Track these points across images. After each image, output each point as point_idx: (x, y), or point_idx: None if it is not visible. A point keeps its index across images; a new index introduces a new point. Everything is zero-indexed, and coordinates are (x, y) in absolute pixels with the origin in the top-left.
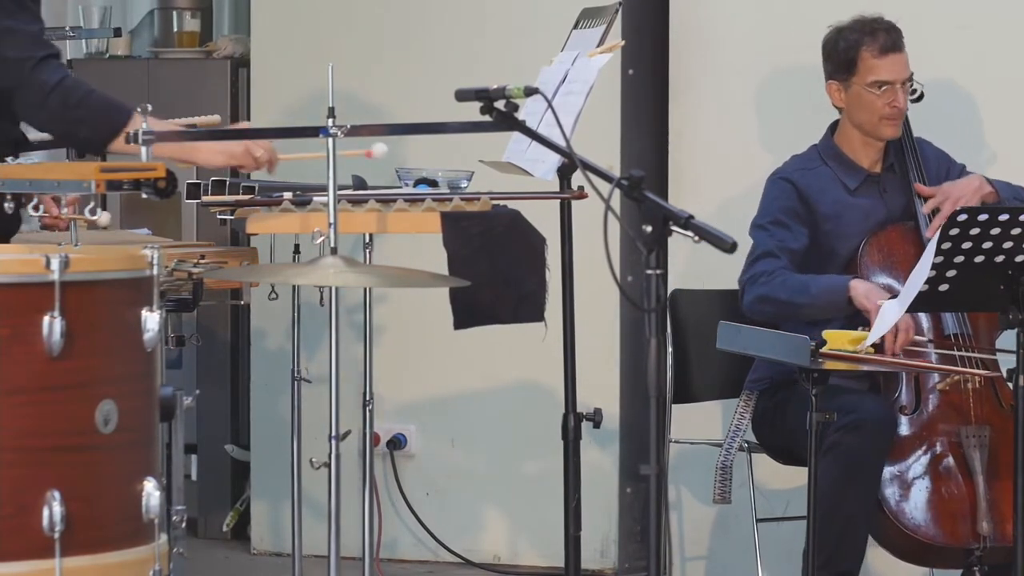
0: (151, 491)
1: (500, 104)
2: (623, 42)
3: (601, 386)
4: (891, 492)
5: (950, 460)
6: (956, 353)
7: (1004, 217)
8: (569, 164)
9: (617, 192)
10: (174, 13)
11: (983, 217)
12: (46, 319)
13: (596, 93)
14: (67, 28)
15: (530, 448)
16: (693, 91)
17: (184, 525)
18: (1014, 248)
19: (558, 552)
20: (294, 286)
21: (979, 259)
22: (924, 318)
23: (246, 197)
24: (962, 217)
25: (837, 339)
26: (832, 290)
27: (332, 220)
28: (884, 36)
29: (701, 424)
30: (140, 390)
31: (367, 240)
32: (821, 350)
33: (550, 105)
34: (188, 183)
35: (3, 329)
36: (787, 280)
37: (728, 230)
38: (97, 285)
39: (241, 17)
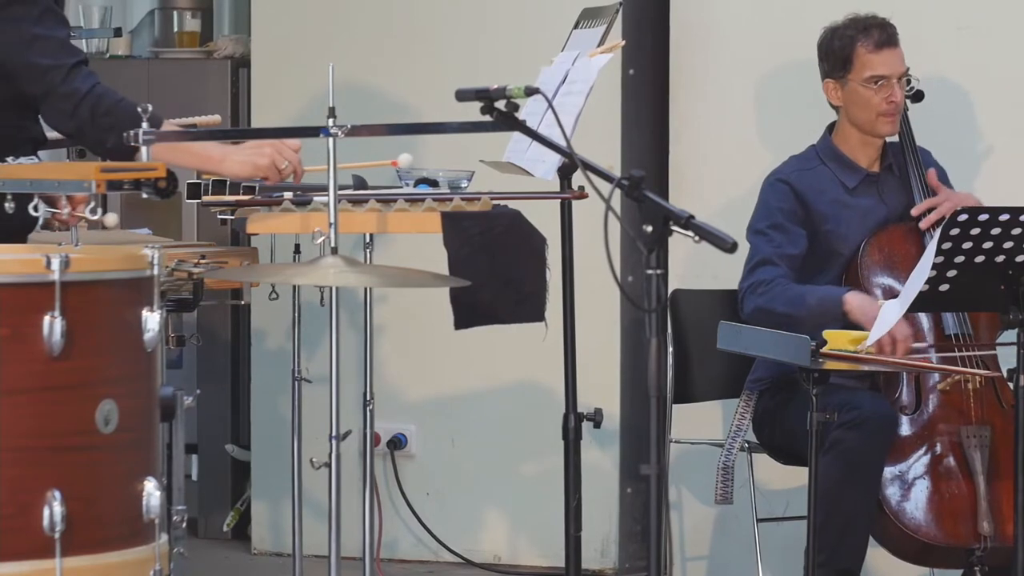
0: (151, 491)
1: (501, 104)
2: (623, 42)
3: (602, 386)
4: (892, 492)
5: (950, 460)
6: (956, 354)
7: (1005, 217)
8: (569, 164)
9: (618, 192)
10: (174, 13)
11: (984, 217)
12: (46, 319)
13: (596, 93)
14: None
15: (530, 448)
16: (693, 91)
17: (184, 525)
18: (1015, 248)
19: (558, 552)
20: (294, 286)
21: (980, 259)
22: (924, 318)
23: (246, 197)
24: (963, 217)
25: (838, 339)
26: (827, 302)
27: (332, 220)
28: (878, 32)
29: (702, 424)
30: (140, 390)
31: (367, 240)
32: (822, 350)
33: (550, 105)
34: (188, 183)
35: (3, 329)
36: (785, 291)
37: (728, 230)
38: (97, 285)
39: (241, 17)
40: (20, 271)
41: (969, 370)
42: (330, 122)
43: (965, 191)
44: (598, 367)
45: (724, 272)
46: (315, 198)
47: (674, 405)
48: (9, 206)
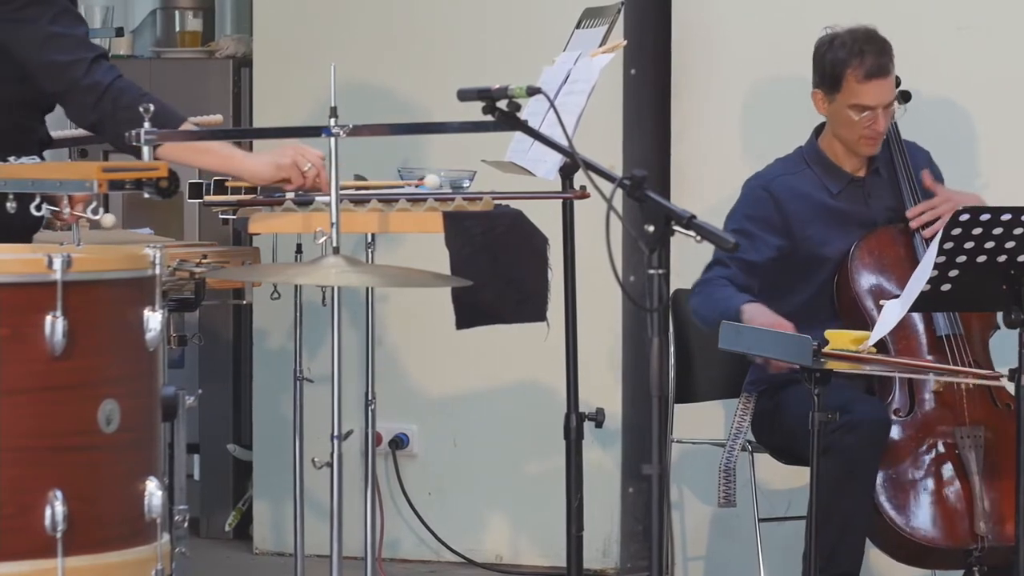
0: (153, 491)
1: (502, 104)
2: (625, 42)
3: (603, 386)
4: (888, 495)
5: (946, 461)
6: (951, 366)
7: (1007, 217)
8: (571, 164)
9: (619, 192)
10: (176, 13)
11: (985, 217)
12: (48, 319)
13: (598, 93)
14: None
15: (532, 448)
16: (695, 91)
17: (186, 525)
18: (1016, 248)
19: (560, 552)
20: (296, 286)
21: (982, 259)
22: (917, 319)
23: (248, 197)
24: (964, 217)
25: (839, 339)
26: (730, 311)
27: (334, 220)
28: (872, 60)
29: (703, 424)
30: (142, 390)
31: (369, 240)
32: (823, 350)
33: (552, 105)
34: (190, 183)
35: (5, 329)
36: (714, 292)
37: None
38: (99, 285)
39: (243, 17)
40: (21, 271)
41: (971, 370)
42: (332, 122)
43: (970, 192)
44: (600, 367)
45: None
46: (317, 198)
47: (676, 405)
48: (11, 206)
